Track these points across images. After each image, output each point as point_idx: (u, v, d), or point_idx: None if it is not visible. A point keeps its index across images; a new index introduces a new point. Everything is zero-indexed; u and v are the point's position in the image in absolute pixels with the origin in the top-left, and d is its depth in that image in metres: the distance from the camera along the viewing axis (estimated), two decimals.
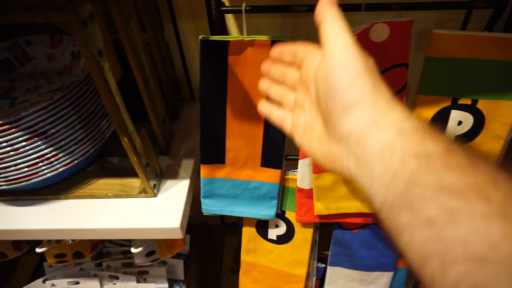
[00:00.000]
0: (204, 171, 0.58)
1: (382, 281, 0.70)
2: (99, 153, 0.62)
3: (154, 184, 0.58)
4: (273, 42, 0.48)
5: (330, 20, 0.27)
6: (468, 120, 0.51)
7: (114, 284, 0.81)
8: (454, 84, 0.49)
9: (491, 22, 0.47)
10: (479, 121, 0.51)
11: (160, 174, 0.61)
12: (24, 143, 0.49)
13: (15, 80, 0.63)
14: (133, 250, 0.60)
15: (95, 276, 0.81)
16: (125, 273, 0.80)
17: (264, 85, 0.38)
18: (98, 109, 0.56)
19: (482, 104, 0.49)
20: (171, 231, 0.55)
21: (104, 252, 0.85)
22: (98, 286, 0.81)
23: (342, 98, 0.25)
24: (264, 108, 0.38)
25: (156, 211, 0.56)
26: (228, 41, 0.47)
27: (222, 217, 1.13)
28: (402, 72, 0.49)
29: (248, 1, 0.46)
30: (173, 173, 0.62)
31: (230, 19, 0.67)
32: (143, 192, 0.57)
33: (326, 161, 0.29)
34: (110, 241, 0.85)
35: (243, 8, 0.46)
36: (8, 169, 0.50)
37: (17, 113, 0.46)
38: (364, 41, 0.47)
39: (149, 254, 0.69)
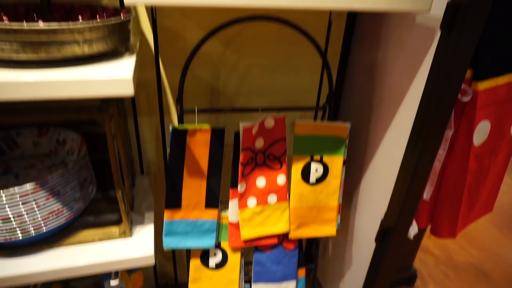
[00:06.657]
0: (167, 214, 0.84)
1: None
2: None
3: (130, 228, 0.81)
4: (212, 130, 0.83)
5: None
6: (320, 168, 0.91)
7: None
8: (310, 148, 0.90)
9: (322, 116, 0.92)
10: (326, 169, 0.92)
11: (131, 222, 0.84)
12: (44, 200, 0.69)
13: (8, 161, 0.82)
14: (112, 282, 0.78)
15: None
16: None
17: None
18: (88, 177, 0.79)
19: (325, 159, 0.91)
20: (145, 258, 0.78)
21: None
22: None
23: None
24: None
25: (133, 245, 0.79)
26: (187, 129, 0.80)
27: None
28: (283, 143, 0.88)
29: (185, 105, 0.80)
30: (140, 222, 0.86)
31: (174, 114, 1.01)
32: (123, 234, 0.80)
33: None
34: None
35: (195, 109, 0.80)
36: (26, 222, 0.69)
37: (44, 178, 0.68)
38: (262, 128, 0.85)
39: None
